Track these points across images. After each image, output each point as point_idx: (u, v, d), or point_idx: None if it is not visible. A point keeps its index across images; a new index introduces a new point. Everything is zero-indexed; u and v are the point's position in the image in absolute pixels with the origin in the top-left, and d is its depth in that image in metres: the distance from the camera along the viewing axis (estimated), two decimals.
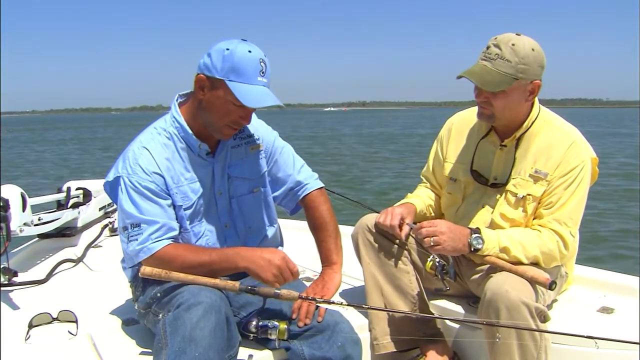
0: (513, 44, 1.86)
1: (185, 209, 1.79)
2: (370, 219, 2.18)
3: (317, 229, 2.01)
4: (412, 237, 2.10)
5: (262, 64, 1.71)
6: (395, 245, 2.13)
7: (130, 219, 1.72)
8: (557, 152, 1.96)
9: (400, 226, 2.03)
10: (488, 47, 1.91)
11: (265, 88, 1.72)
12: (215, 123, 1.77)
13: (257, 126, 1.98)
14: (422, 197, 2.24)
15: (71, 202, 3.31)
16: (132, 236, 1.72)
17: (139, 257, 1.71)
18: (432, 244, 1.88)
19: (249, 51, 1.70)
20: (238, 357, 1.70)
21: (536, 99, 2.00)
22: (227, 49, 1.69)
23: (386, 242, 2.12)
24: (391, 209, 2.07)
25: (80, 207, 3.34)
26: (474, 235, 1.90)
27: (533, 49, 1.88)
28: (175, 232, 1.76)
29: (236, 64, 1.68)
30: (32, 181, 13.16)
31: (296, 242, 1.98)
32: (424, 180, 2.33)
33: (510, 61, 1.86)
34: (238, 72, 1.68)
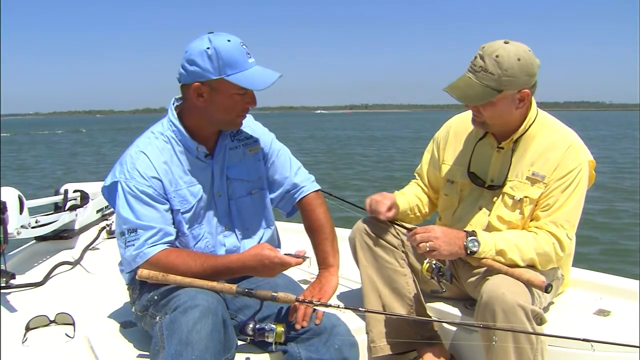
0: (497, 56, 1.84)
1: (183, 213, 1.79)
2: (367, 221, 2.18)
3: (313, 232, 2.01)
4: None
5: (243, 46, 1.74)
6: (393, 248, 2.13)
7: (127, 224, 1.72)
8: (555, 155, 1.96)
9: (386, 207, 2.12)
10: (475, 57, 1.89)
11: (259, 67, 1.75)
12: (225, 119, 1.79)
13: (255, 128, 1.98)
14: (407, 196, 2.25)
15: (68, 204, 3.31)
16: (129, 241, 1.72)
17: (136, 262, 1.71)
18: (427, 249, 1.88)
19: (228, 40, 1.71)
20: None
21: (533, 102, 2.00)
22: (208, 48, 1.69)
23: (383, 244, 2.13)
24: (376, 195, 2.16)
25: (78, 210, 3.33)
26: (469, 238, 1.90)
27: (519, 59, 1.84)
28: (172, 237, 1.76)
29: (226, 58, 1.69)
30: (29, 183, 13.13)
31: (292, 244, 1.99)
32: (417, 177, 2.34)
33: (493, 74, 1.84)
34: (232, 65, 1.70)
